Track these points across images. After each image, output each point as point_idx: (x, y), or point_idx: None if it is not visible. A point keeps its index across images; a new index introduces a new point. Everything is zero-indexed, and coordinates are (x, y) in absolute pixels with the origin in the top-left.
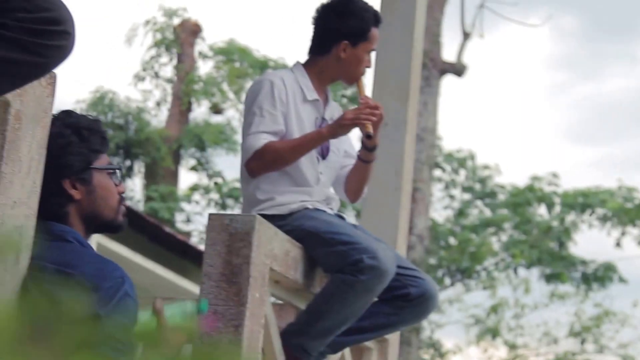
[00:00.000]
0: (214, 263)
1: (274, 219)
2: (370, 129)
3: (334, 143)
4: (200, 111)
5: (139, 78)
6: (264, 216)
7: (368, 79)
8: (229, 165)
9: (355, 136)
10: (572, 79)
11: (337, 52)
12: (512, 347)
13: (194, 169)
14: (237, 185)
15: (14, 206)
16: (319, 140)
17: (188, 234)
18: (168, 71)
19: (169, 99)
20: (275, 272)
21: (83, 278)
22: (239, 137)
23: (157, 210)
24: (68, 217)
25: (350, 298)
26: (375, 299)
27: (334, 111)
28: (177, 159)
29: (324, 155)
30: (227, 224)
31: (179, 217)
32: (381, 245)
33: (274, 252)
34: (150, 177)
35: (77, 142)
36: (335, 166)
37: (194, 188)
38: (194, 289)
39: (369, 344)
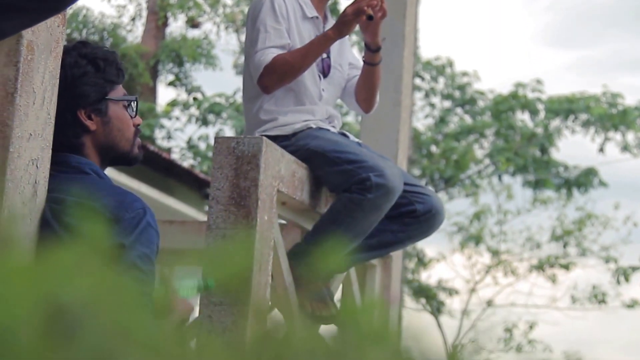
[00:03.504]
0: (221, 187)
1: (278, 140)
2: (370, 12)
3: (335, 59)
4: (176, 25)
5: None
6: (268, 137)
7: None
8: (208, 80)
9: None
10: None
11: None
12: (495, 253)
13: (172, 84)
14: (218, 100)
15: (30, 138)
16: (326, 42)
17: (169, 150)
18: None
19: (144, 13)
20: (283, 193)
21: (104, 209)
22: (217, 52)
23: None
24: (84, 149)
25: (357, 216)
26: (382, 217)
27: None
28: (154, 75)
29: (325, 73)
30: (234, 147)
31: (159, 134)
32: (387, 162)
33: (281, 174)
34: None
35: (92, 72)
36: (338, 82)
37: (173, 104)
38: (179, 206)
39: (374, 261)
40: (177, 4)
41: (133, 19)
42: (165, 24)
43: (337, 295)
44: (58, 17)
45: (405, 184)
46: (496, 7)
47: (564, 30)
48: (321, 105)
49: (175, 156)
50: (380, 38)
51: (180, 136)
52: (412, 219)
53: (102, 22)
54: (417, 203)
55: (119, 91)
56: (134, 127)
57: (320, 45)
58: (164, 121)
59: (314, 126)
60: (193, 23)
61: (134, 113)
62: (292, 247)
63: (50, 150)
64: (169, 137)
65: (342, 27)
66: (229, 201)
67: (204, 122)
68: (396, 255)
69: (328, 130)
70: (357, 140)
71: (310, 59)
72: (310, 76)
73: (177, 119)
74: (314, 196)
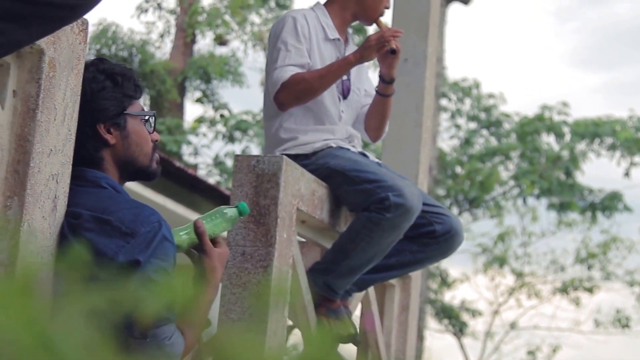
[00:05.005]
0: None
1: (298, 159)
2: (394, 45)
3: (354, 83)
4: (204, 43)
5: (142, 10)
6: (288, 156)
7: (388, 15)
8: (234, 97)
9: (374, 76)
10: (579, 3)
11: None
12: (519, 275)
13: (199, 101)
14: (245, 117)
15: (50, 154)
16: (346, 66)
17: (195, 167)
18: (171, 2)
19: (173, 30)
20: (302, 212)
21: (119, 224)
22: (244, 69)
23: (165, 143)
24: (103, 163)
25: (376, 236)
26: (401, 237)
27: None
28: (182, 92)
29: (345, 95)
30: (254, 165)
31: (186, 150)
32: (406, 182)
33: (300, 192)
34: (156, 110)
35: (111, 87)
36: (356, 105)
37: (200, 120)
38: None
39: (392, 281)
40: (205, 22)
41: (162, 36)
42: (193, 41)
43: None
44: (80, 35)
45: (425, 204)
46: (524, 29)
47: (591, 53)
48: (341, 125)
49: (201, 172)
50: (402, 60)
51: (207, 153)
52: (431, 239)
53: (131, 39)
54: (437, 224)
55: (136, 106)
56: (152, 143)
57: (340, 69)
58: (191, 138)
59: (334, 145)
60: (221, 40)
61: (152, 128)
62: (311, 266)
63: (71, 166)
64: (196, 153)
65: (364, 52)
66: (248, 219)
67: (231, 139)
68: (415, 275)
69: (348, 149)
70: (377, 160)
71: (328, 81)
72: (330, 97)
73: (204, 135)
74: (334, 215)
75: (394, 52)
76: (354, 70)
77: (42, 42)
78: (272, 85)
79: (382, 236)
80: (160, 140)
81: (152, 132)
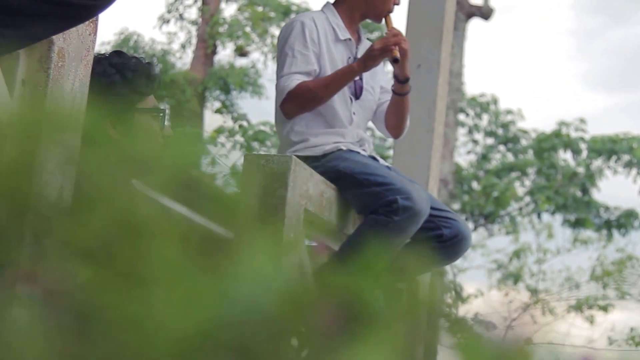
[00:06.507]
0: (249, 204)
1: (308, 161)
2: (397, 54)
3: (367, 82)
4: (225, 54)
5: (164, 20)
6: (298, 158)
7: (402, 21)
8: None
9: (390, 72)
10: (601, 24)
11: None
12: (534, 292)
13: (218, 111)
14: (263, 128)
15: (57, 144)
16: (351, 74)
17: (213, 176)
18: (193, 13)
19: (194, 41)
20: (310, 212)
21: None
22: (263, 81)
23: None
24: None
25: (383, 239)
26: (409, 241)
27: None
28: (202, 102)
29: (357, 95)
30: (263, 165)
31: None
32: (415, 186)
33: (308, 193)
34: (176, 120)
35: (120, 82)
36: (370, 105)
37: (219, 131)
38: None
39: (400, 285)
40: (226, 33)
41: (183, 46)
42: (214, 52)
43: None
44: (90, 26)
45: (433, 208)
46: (544, 47)
47: (611, 74)
48: (351, 129)
49: (218, 182)
50: (415, 65)
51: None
52: (438, 243)
53: (152, 48)
54: (444, 228)
55: (148, 101)
56: (163, 139)
57: (344, 77)
58: (209, 147)
59: (344, 148)
60: (241, 52)
61: (163, 124)
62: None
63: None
64: (214, 163)
65: (368, 61)
66: (255, 217)
67: (249, 149)
68: (423, 280)
69: (358, 152)
70: (386, 164)
71: (333, 90)
72: (341, 100)
73: (223, 145)
74: (342, 217)
75: (396, 60)
76: None
77: None
78: (278, 93)
79: (389, 239)
80: None
81: (163, 128)
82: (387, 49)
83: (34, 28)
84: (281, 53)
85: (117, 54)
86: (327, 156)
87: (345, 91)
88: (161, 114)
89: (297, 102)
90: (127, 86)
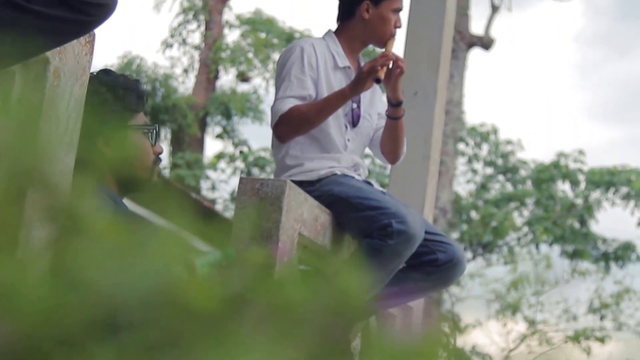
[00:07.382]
0: (243, 227)
1: (303, 185)
2: (382, 74)
3: (365, 109)
4: (227, 79)
5: (167, 44)
6: (293, 182)
7: (399, 48)
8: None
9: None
10: (604, 56)
11: (360, 13)
12: (532, 322)
13: (219, 136)
14: (263, 154)
15: (51, 164)
16: (343, 98)
17: (213, 202)
18: (196, 38)
19: (196, 66)
20: (304, 237)
21: None
22: (264, 106)
23: (183, 177)
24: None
25: (378, 263)
26: (403, 265)
27: None
28: (203, 127)
29: (354, 123)
30: (258, 188)
31: (204, 185)
32: (409, 210)
33: (303, 217)
34: (177, 144)
35: (111, 100)
36: (367, 132)
37: (220, 156)
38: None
39: (393, 311)
40: (229, 59)
41: (185, 71)
42: (216, 77)
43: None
44: (86, 46)
45: (427, 232)
46: (545, 78)
47: (613, 105)
48: (346, 154)
49: (218, 207)
50: (412, 93)
51: (224, 188)
52: (433, 267)
53: (155, 73)
54: (439, 252)
55: (139, 119)
56: (154, 155)
57: (337, 101)
58: (210, 173)
59: (339, 172)
60: (243, 77)
61: (154, 141)
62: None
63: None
64: (214, 188)
65: (357, 84)
66: (249, 241)
67: (248, 175)
68: (417, 306)
69: (353, 177)
70: (381, 189)
71: (325, 114)
72: (335, 126)
73: (223, 171)
74: (336, 241)
75: (378, 80)
76: (366, 95)
77: (48, 52)
78: (272, 116)
79: (384, 263)
80: (179, 174)
81: (155, 145)
82: (373, 70)
83: (29, 43)
84: (279, 77)
85: (105, 72)
86: (322, 180)
87: (341, 118)
88: (152, 131)
89: (290, 125)
90: (118, 104)
